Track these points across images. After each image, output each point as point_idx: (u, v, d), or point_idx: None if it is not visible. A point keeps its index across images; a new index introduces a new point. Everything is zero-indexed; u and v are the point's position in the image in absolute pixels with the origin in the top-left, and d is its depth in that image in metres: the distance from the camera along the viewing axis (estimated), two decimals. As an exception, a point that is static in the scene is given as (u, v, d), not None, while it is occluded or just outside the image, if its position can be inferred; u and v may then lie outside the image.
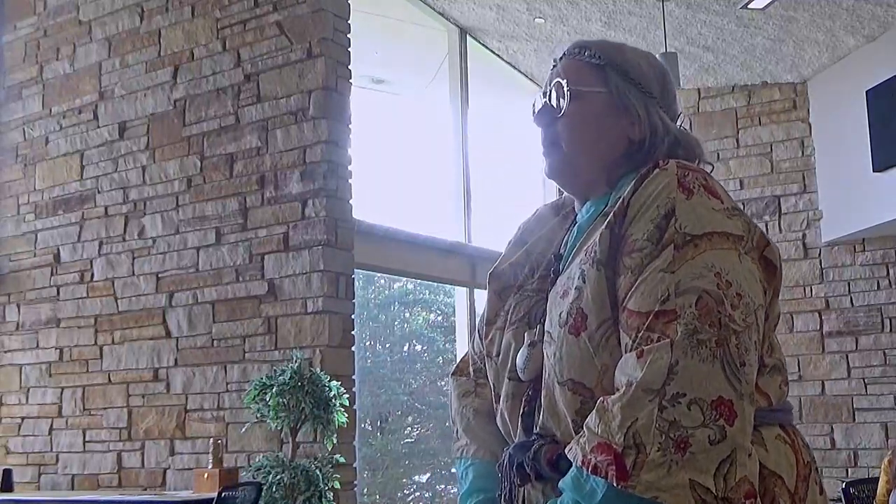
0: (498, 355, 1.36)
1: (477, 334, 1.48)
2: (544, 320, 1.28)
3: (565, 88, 1.33)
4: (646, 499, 1.03)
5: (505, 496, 1.30)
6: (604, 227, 1.21)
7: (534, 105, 1.38)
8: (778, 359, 1.24)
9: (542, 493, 1.24)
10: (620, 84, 1.32)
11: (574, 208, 1.41)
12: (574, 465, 1.11)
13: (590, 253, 1.21)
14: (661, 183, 1.18)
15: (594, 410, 1.11)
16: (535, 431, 1.27)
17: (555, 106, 1.34)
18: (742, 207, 1.21)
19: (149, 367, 5.87)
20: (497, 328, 1.39)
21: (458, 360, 1.61)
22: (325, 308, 5.27)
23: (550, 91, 1.36)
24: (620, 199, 1.21)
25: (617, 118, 1.32)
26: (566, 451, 1.14)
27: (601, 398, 1.12)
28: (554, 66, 1.39)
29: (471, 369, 1.51)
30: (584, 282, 1.20)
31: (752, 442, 1.11)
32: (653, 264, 1.14)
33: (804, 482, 1.19)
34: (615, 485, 1.04)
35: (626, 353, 1.13)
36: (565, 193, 1.44)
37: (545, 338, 1.26)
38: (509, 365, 1.33)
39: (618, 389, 1.10)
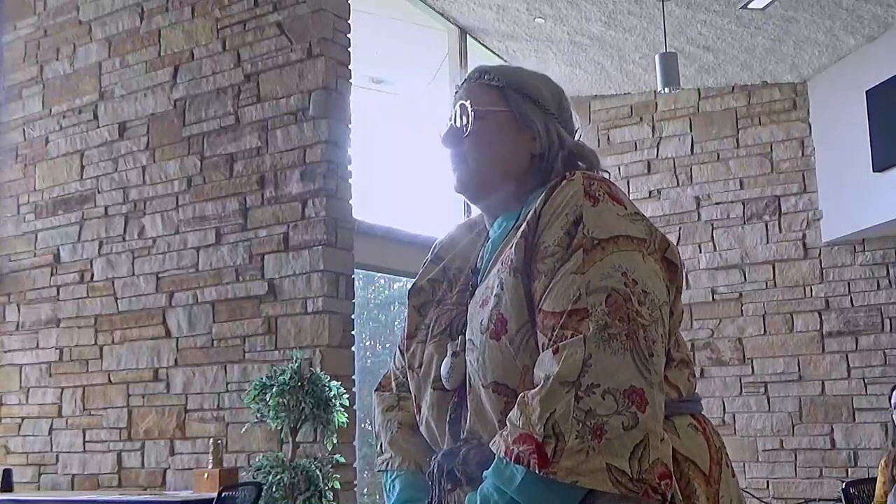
0: (420, 367, 1.42)
1: (398, 350, 1.54)
2: (465, 331, 1.33)
3: (469, 109, 1.41)
4: (565, 483, 1.10)
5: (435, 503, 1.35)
6: (518, 237, 1.28)
7: (441, 130, 1.45)
8: (685, 353, 1.34)
9: None
10: (520, 102, 1.41)
11: (486, 226, 1.49)
12: (497, 455, 1.17)
13: (506, 262, 1.30)
14: (569, 193, 1.27)
15: (516, 405, 1.18)
16: (461, 437, 1.33)
17: (459, 126, 1.42)
18: (652, 218, 1.28)
19: (149, 367, 5.88)
20: (418, 341, 1.45)
21: None
22: (325, 308, 5.27)
23: (455, 113, 1.43)
24: (533, 210, 1.30)
25: (518, 134, 1.41)
26: (490, 444, 1.20)
27: (522, 393, 1.19)
28: (456, 93, 1.47)
29: (393, 384, 1.57)
30: (503, 289, 1.28)
31: (665, 430, 1.18)
32: (564, 267, 1.22)
33: (717, 466, 1.28)
34: (537, 472, 1.11)
35: (542, 351, 1.19)
36: (477, 212, 1.53)
37: (467, 346, 1.33)
38: (433, 375, 1.39)
39: (537, 385, 1.17)
